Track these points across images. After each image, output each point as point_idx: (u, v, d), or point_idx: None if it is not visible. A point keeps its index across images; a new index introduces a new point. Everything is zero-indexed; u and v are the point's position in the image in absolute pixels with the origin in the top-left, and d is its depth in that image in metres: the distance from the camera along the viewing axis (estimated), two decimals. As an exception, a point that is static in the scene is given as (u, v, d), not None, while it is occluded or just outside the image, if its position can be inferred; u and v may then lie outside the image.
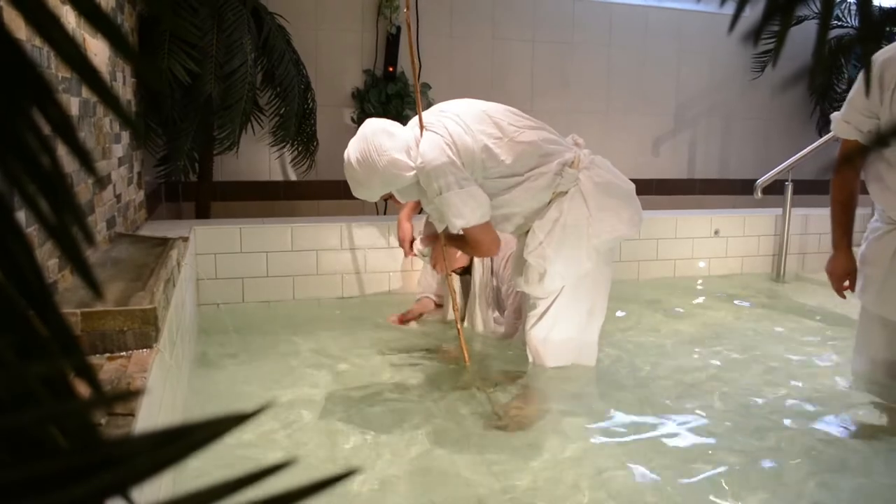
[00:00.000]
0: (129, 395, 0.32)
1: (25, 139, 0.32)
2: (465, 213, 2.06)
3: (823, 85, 5.12)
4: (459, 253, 2.59)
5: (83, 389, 0.34)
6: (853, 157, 2.12)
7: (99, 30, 0.33)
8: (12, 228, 0.32)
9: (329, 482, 0.32)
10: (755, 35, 0.40)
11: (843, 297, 2.22)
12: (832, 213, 2.19)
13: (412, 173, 2.08)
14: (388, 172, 2.06)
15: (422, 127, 2.10)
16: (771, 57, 4.75)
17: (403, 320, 2.83)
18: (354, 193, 2.19)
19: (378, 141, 2.06)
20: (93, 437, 0.32)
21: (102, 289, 0.31)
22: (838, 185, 2.16)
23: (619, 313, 3.03)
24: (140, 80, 3.15)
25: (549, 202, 2.19)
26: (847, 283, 2.19)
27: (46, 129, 0.33)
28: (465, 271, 2.79)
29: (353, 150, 2.10)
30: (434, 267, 2.53)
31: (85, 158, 0.30)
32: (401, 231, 2.77)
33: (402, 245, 2.79)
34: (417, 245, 2.61)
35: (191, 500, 0.32)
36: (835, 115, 2.13)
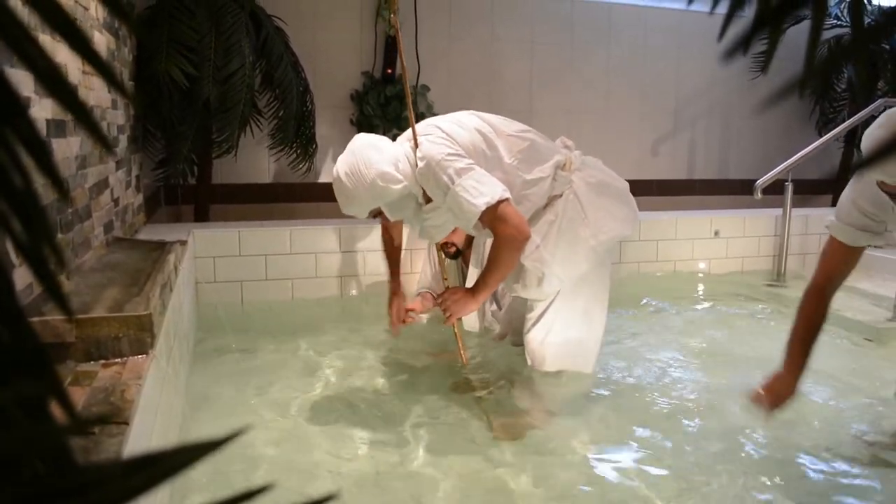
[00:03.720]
0: (105, 420, 0.32)
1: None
2: (484, 190, 1.98)
3: (822, 85, 5.10)
4: (457, 230, 2.55)
5: (60, 412, 0.34)
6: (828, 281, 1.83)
7: (93, 65, 0.32)
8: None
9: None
10: (744, 47, 0.39)
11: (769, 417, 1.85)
12: (794, 327, 1.85)
13: (400, 186, 2.06)
14: (376, 186, 2.03)
15: (415, 135, 2.10)
16: (765, 61, 4.74)
17: (404, 319, 2.69)
18: (343, 210, 2.15)
19: (366, 154, 2.04)
20: (67, 462, 0.32)
21: (72, 309, 0.30)
22: (812, 303, 1.84)
23: (617, 315, 3.02)
24: (138, 84, 3.14)
25: (545, 206, 2.19)
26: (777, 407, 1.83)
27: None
28: (457, 254, 2.76)
29: (341, 165, 2.08)
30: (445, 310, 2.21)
31: (55, 179, 0.30)
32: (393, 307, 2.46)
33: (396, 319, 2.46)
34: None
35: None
36: (833, 221, 1.84)
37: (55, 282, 0.30)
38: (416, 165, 2.06)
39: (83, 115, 0.32)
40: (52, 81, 0.32)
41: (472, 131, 2.11)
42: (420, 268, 3.05)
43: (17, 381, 0.31)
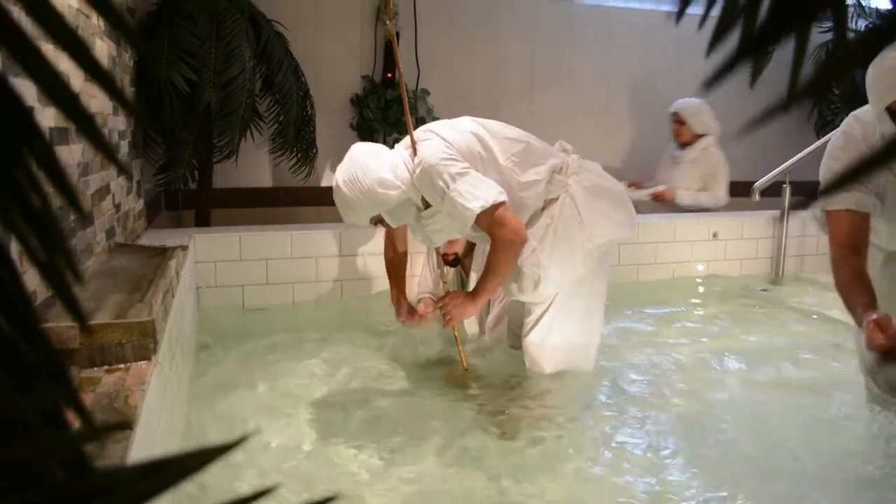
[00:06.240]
0: (120, 427, 0.33)
1: (16, 177, 0.33)
2: (479, 194, 2.00)
3: (821, 88, 5.12)
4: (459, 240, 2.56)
5: (74, 417, 0.35)
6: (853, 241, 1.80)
7: (95, 79, 0.34)
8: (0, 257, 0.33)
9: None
10: (728, 72, 0.41)
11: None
12: (845, 300, 1.77)
13: (398, 192, 2.08)
14: (374, 192, 2.05)
15: (413, 142, 2.12)
16: (752, 78, 4.76)
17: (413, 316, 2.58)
18: (344, 218, 2.17)
19: (364, 162, 2.07)
20: (83, 467, 0.33)
21: (89, 321, 0.31)
22: (841, 266, 1.80)
23: (616, 318, 3.03)
24: (139, 89, 3.16)
25: (541, 209, 2.21)
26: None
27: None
28: (455, 262, 2.78)
29: (340, 174, 2.11)
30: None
31: (72, 199, 0.31)
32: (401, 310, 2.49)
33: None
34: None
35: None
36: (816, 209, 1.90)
37: (72, 297, 0.32)
38: (414, 171, 2.08)
39: (87, 127, 0.34)
40: (57, 93, 0.34)
41: (467, 134, 2.13)
42: (420, 272, 3.06)
43: (37, 391, 0.33)
